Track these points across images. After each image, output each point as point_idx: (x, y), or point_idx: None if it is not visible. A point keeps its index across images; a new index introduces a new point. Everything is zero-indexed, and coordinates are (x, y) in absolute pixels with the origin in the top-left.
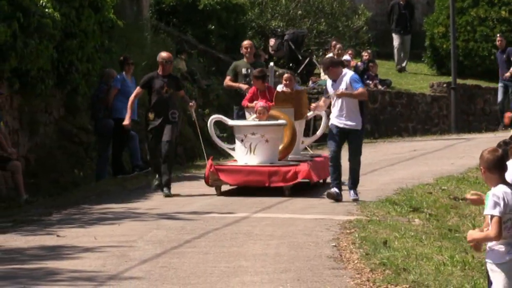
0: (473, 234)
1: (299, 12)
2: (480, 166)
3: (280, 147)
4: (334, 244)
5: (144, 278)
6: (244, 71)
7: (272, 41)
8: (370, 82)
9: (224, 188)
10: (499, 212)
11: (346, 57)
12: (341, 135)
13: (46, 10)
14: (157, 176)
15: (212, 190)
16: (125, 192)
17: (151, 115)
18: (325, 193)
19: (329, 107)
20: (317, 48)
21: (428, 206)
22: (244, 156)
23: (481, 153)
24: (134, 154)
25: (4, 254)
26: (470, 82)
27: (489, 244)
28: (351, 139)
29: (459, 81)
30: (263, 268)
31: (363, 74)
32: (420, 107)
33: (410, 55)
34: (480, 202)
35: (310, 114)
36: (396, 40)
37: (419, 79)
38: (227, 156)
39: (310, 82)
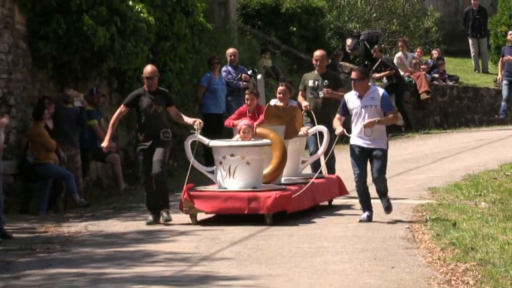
0: None
1: (374, 14)
2: None
3: (269, 169)
4: (407, 226)
5: (234, 259)
6: (311, 83)
7: (349, 41)
8: (437, 76)
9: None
10: None
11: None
12: (364, 156)
13: (141, 14)
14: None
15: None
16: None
17: (140, 137)
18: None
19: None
20: (390, 47)
21: (493, 190)
22: (223, 180)
23: None
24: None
25: (106, 238)
26: None
27: None
28: (376, 158)
29: None
30: (343, 248)
31: (432, 70)
32: (485, 100)
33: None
34: None
35: (311, 130)
36: (472, 45)
37: (484, 75)
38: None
39: (384, 79)
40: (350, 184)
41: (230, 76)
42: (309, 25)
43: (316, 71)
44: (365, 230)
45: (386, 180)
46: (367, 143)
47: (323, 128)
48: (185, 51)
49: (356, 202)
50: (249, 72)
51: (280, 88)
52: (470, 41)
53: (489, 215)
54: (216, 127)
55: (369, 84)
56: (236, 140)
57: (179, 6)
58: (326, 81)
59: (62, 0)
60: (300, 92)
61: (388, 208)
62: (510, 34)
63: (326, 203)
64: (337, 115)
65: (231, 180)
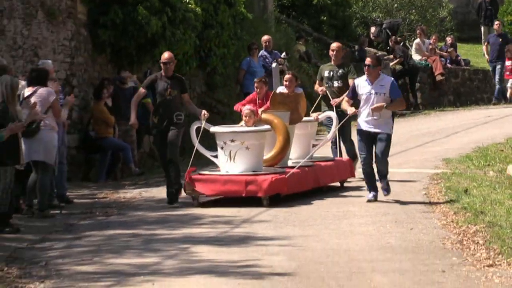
0: None
1: (395, 5)
2: None
3: (272, 152)
4: (424, 193)
5: (271, 221)
6: (326, 73)
7: (372, 29)
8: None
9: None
10: None
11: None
12: (370, 140)
13: (189, 5)
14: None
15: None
16: None
17: (155, 119)
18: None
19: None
20: (410, 34)
21: (500, 161)
22: (225, 164)
23: None
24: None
25: (157, 203)
26: None
27: None
28: (380, 141)
29: None
30: (367, 212)
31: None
32: (494, 81)
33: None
34: None
35: (322, 115)
36: (484, 32)
37: None
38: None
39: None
40: None
41: (267, 60)
42: (338, 15)
43: (332, 62)
44: (386, 197)
45: (387, 163)
46: (373, 127)
47: (332, 114)
48: (228, 38)
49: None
50: (283, 55)
51: (287, 76)
52: (482, 28)
53: (497, 182)
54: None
55: (379, 72)
56: (241, 126)
57: None
58: (340, 70)
59: None
60: (317, 82)
61: (387, 190)
62: (497, 24)
63: (338, 184)
64: (346, 98)
65: (232, 164)
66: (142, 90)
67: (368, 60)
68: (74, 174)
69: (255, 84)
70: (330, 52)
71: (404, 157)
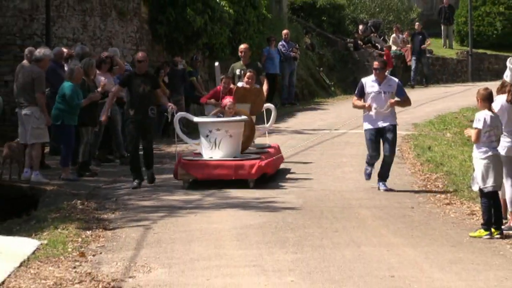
0: (468, 132)
1: (377, 9)
2: (477, 97)
3: (242, 140)
4: (398, 149)
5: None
6: (238, 72)
7: (360, 27)
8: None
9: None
10: (479, 126)
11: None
12: (377, 138)
13: (225, 8)
14: (133, 175)
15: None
16: None
17: (131, 111)
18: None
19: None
20: (388, 31)
21: (455, 125)
22: (209, 150)
23: (478, 90)
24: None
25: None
26: (480, 51)
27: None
28: (387, 135)
29: (474, 50)
30: (356, 163)
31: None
32: (450, 66)
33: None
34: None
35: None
36: (443, 30)
37: (449, 49)
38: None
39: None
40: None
41: (284, 48)
42: (335, 16)
43: (241, 62)
44: None
45: (395, 153)
46: (381, 121)
47: (270, 106)
48: (252, 32)
49: None
50: (296, 45)
51: (248, 74)
52: (442, 27)
53: (452, 142)
54: (272, 82)
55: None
56: (211, 116)
57: (249, 2)
58: (249, 69)
59: None
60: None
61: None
62: (417, 24)
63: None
64: (355, 98)
65: (216, 150)
66: (118, 86)
67: (376, 64)
68: None
69: (223, 80)
70: (239, 53)
71: None
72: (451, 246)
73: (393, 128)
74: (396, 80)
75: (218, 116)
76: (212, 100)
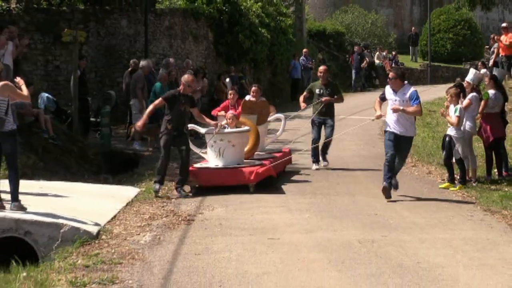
0: (449, 119)
1: (366, 35)
2: (447, 94)
3: (247, 148)
4: (379, 132)
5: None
6: (317, 91)
7: (356, 47)
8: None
9: None
10: (460, 114)
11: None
12: (395, 141)
13: (264, 34)
14: (157, 178)
15: None
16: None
17: (169, 126)
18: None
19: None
20: (373, 50)
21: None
22: (215, 159)
23: (447, 88)
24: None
25: None
26: (436, 64)
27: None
28: (403, 144)
29: (432, 63)
30: (353, 140)
31: (392, 60)
32: (415, 74)
33: (412, 53)
34: (445, 115)
35: (272, 117)
36: (411, 49)
37: (415, 63)
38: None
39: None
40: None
41: (304, 61)
42: (338, 39)
43: (320, 81)
44: (356, 130)
45: (405, 162)
46: (400, 130)
47: (280, 116)
48: (283, 50)
49: None
50: (312, 59)
51: (253, 88)
52: (410, 48)
53: (417, 125)
54: (296, 83)
55: (405, 82)
56: (219, 125)
57: (281, 30)
58: (329, 89)
59: (230, 26)
60: (304, 93)
61: (396, 186)
62: (356, 47)
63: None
64: (377, 99)
65: (220, 158)
66: (161, 100)
67: (391, 74)
68: None
69: (230, 92)
70: (318, 74)
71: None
72: (415, 195)
73: (410, 140)
74: (411, 89)
75: (223, 128)
76: (222, 112)
